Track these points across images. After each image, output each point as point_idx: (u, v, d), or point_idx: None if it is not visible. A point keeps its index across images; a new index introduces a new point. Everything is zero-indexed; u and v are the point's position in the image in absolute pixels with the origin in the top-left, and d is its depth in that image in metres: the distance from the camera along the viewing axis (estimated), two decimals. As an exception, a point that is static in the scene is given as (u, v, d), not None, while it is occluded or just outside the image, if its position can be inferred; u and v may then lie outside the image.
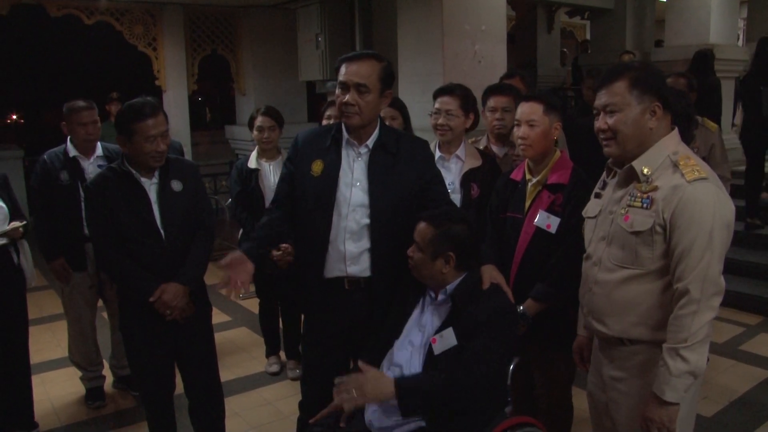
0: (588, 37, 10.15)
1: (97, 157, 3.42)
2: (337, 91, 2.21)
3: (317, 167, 2.27)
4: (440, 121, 2.81)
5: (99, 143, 3.47)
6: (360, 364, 2.03)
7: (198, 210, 2.61)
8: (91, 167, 3.37)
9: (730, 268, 1.84)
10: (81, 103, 3.35)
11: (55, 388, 3.77)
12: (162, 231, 2.48)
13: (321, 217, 2.25)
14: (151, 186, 2.50)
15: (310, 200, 2.27)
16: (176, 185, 2.54)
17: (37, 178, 3.38)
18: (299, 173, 2.31)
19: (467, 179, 2.79)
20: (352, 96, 2.16)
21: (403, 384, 1.89)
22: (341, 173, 2.25)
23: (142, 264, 2.45)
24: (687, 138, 2.63)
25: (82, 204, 3.30)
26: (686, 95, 3.08)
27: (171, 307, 2.44)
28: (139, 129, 2.37)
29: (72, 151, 3.37)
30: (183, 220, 2.53)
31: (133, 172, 2.47)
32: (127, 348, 2.63)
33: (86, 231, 3.32)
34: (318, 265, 2.28)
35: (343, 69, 2.19)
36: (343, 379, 1.94)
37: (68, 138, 3.40)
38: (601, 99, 1.85)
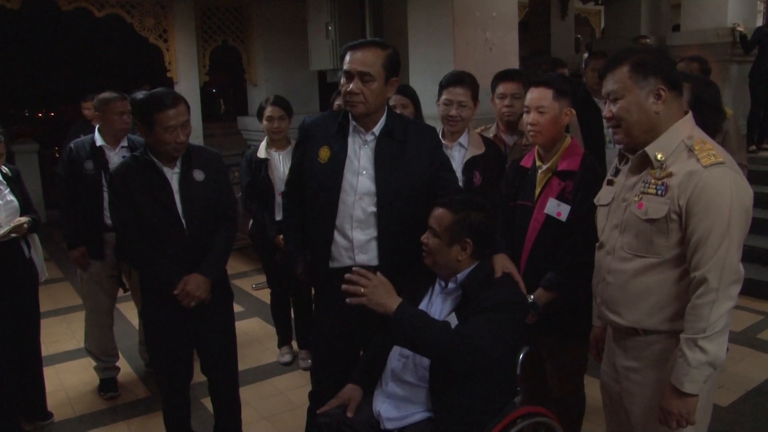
0: (602, 23, 10.02)
1: (122, 147, 3.46)
2: (342, 80, 2.20)
3: (324, 154, 2.26)
4: (453, 112, 2.76)
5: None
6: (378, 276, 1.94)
7: (220, 200, 2.60)
8: (116, 157, 3.41)
9: (747, 254, 1.79)
10: (114, 94, 3.40)
11: (70, 379, 3.80)
12: (183, 220, 2.48)
13: (326, 203, 2.24)
14: (173, 175, 2.50)
15: (316, 186, 2.27)
16: (198, 175, 2.53)
17: (63, 167, 3.45)
18: (307, 158, 2.30)
19: (470, 167, 2.76)
20: (357, 84, 2.14)
21: (402, 312, 1.87)
22: (347, 161, 2.23)
23: (163, 253, 2.47)
24: (716, 130, 2.56)
25: (104, 193, 3.34)
26: (715, 86, 2.95)
27: (194, 297, 2.46)
28: (158, 119, 2.36)
29: (99, 141, 3.42)
30: (204, 210, 2.53)
31: (155, 161, 2.47)
32: (147, 335, 2.66)
33: (107, 221, 3.37)
34: (325, 254, 2.27)
35: (347, 57, 2.17)
36: (362, 271, 1.91)
37: (96, 128, 3.46)
38: (606, 86, 1.83)
